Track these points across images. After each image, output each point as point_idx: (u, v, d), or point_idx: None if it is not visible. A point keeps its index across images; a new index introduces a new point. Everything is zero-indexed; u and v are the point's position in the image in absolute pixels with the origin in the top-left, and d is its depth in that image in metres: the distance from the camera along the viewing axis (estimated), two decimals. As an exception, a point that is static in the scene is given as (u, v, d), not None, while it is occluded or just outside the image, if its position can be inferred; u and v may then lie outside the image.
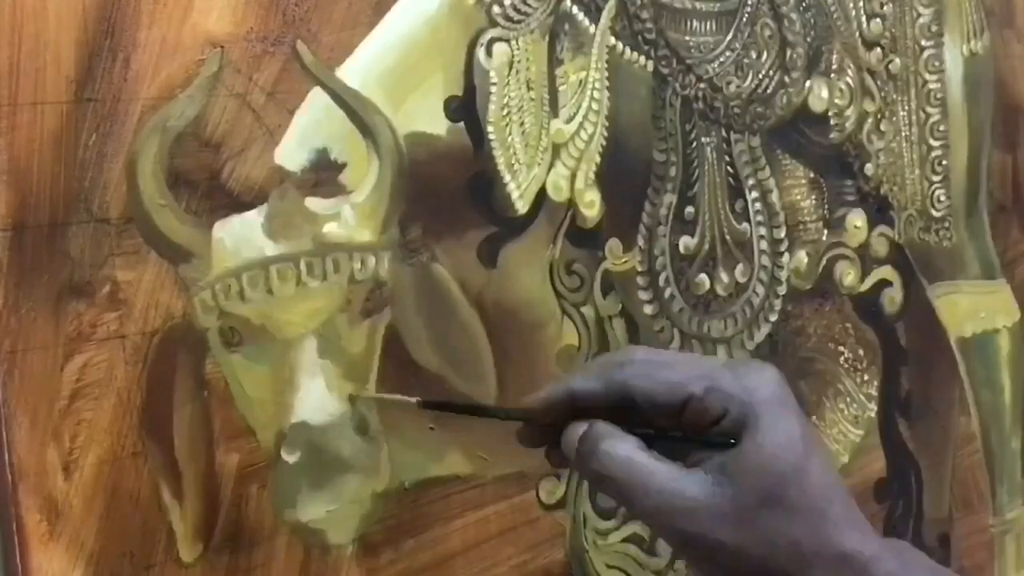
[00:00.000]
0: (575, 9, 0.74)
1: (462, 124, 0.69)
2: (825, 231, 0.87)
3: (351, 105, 0.64)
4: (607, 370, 0.56)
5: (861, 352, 0.90)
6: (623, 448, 0.54)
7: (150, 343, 0.59)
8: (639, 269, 0.77)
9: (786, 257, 0.84)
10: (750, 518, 0.52)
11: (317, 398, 0.62)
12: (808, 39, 0.86)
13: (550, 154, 0.72)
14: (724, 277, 0.81)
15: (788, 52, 0.84)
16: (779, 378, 0.55)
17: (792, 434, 0.53)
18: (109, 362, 0.58)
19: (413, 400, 0.60)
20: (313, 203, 0.64)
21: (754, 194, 0.82)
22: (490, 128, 0.70)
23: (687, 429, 0.54)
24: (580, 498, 0.74)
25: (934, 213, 0.94)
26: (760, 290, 0.83)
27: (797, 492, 0.52)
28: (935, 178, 0.94)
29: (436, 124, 0.68)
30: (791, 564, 0.52)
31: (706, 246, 0.80)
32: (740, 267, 0.81)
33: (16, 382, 0.55)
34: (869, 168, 0.90)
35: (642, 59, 0.77)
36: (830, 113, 0.87)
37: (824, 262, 0.87)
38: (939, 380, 0.95)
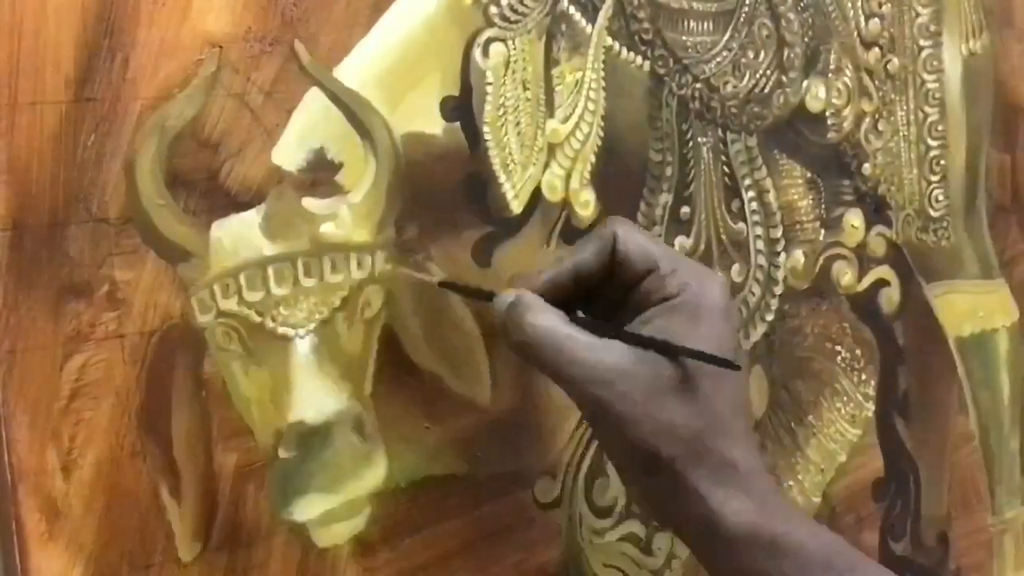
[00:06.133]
0: (572, 9, 0.74)
1: (458, 124, 0.69)
2: (822, 231, 0.87)
3: (348, 105, 0.64)
4: (599, 233, 0.61)
5: (858, 352, 0.90)
6: (547, 318, 0.57)
7: (149, 343, 0.59)
8: (636, 269, 0.77)
9: (783, 257, 0.84)
10: (659, 398, 0.55)
11: (314, 398, 0.63)
12: (806, 39, 0.86)
13: (545, 154, 0.72)
14: (721, 277, 0.81)
15: (785, 52, 0.84)
16: (728, 293, 0.60)
17: (725, 342, 0.57)
18: (108, 362, 0.58)
19: (435, 279, 0.65)
20: (310, 203, 0.64)
21: (750, 194, 0.82)
22: (486, 128, 0.70)
23: (639, 300, 0.58)
24: (576, 497, 0.75)
25: (932, 213, 0.94)
26: (756, 290, 0.83)
27: (712, 390, 0.56)
28: (933, 178, 0.94)
29: (432, 124, 0.68)
30: (681, 452, 0.56)
31: (702, 246, 0.80)
32: (736, 267, 0.82)
33: (15, 382, 0.55)
34: (867, 168, 0.90)
35: (639, 59, 0.77)
36: (827, 113, 0.87)
37: (821, 262, 0.87)
38: (937, 380, 0.95)
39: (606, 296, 0.61)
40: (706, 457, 0.56)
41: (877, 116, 0.90)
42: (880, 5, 0.90)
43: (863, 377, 0.90)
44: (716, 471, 0.56)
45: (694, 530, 0.58)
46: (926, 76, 0.93)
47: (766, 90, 0.83)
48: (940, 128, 0.94)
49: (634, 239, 0.59)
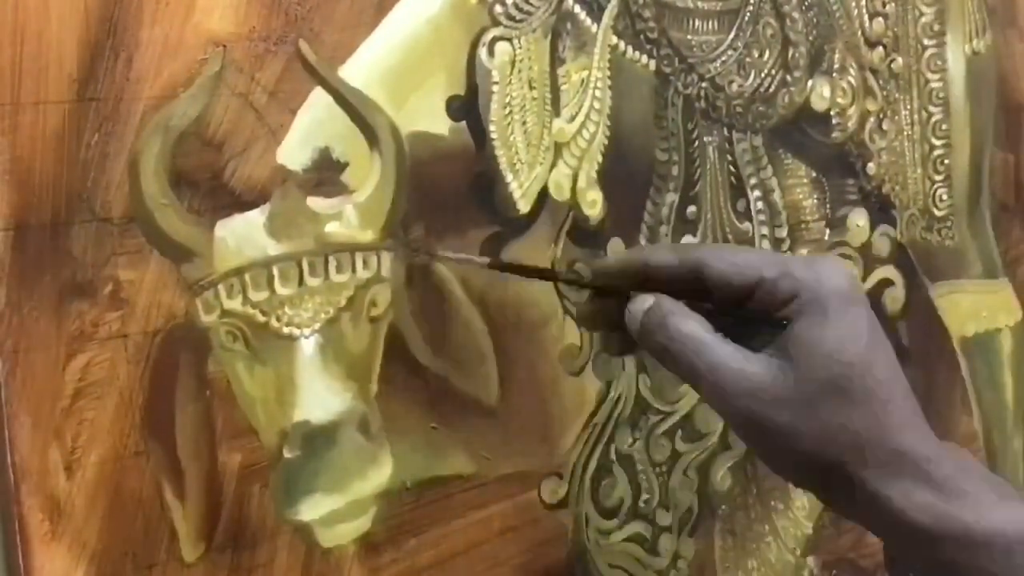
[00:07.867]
0: (577, 8, 0.74)
1: (464, 123, 0.69)
2: (827, 230, 0.87)
3: (353, 105, 0.64)
4: (681, 248, 0.58)
5: (863, 352, 0.89)
6: (689, 325, 0.55)
7: (152, 342, 0.59)
8: (641, 268, 0.77)
9: (788, 256, 0.84)
10: (811, 405, 0.53)
11: (320, 397, 0.62)
12: (810, 38, 0.85)
13: (552, 153, 0.72)
14: (726, 276, 0.81)
15: (790, 51, 0.84)
16: (850, 273, 0.56)
17: (860, 326, 0.54)
18: (111, 361, 0.58)
19: (484, 260, 0.62)
20: (315, 202, 0.64)
21: (756, 193, 0.82)
22: (492, 127, 0.70)
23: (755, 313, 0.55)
24: (582, 498, 0.74)
25: (936, 212, 0.94)
26: (763, 290, 0.82)
27: (861, 384, 0.53)
28: (937, 177, 0.94)
29: (438, 123, 0.68)
30: (847, 455, 0.53)
31: (708, 245, 0.80)
32: (742, 267, 0.81)
33: (18, 382, 0.55)
34: (871, 167, 0.90)
35: (644, 58, 0.77)
36: (832, 112, 0.87)
37: (826, 262, 0.87)
38: (941, 380, 0.95)
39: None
40: (875, 453, 0.52)
41: (881, 115, 0.90)
42: (884, 4, 0.90)
43: (868, 377, 0.89)
44: (888, 466, 0.52)
45: (880, 530, 0.54)
46: (930, 75, 0.93)
47: (771, 89, 0.83)
48: (944, 127, 0.94)
49: (724, 260, 0.56)
